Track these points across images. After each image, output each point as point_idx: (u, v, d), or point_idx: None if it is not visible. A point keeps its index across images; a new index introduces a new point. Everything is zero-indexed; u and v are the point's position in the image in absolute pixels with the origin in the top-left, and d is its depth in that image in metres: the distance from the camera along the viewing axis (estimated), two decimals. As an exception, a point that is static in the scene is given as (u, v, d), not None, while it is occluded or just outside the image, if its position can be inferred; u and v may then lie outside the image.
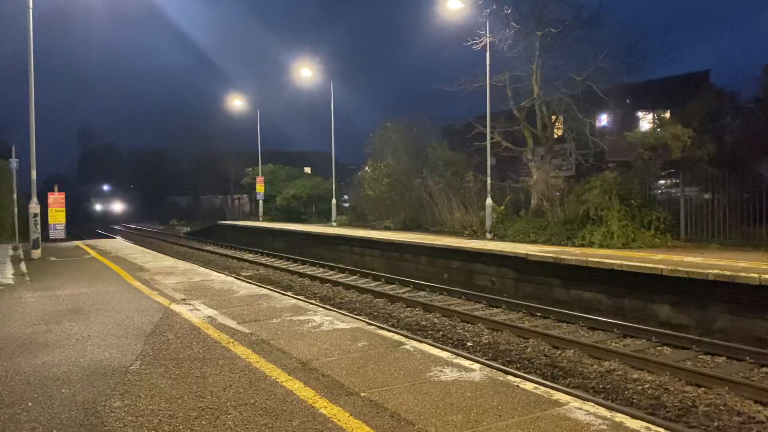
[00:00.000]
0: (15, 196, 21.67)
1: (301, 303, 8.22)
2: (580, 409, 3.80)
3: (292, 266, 18.84)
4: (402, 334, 6.73)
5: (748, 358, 7.41)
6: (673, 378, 6.64)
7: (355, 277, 15.85)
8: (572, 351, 7.84)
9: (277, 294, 9.21)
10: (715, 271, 8.87)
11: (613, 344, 8.37)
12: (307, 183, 37.10)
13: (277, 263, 19.97)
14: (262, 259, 21.41)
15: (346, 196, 35.99)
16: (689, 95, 19.54)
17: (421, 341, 6.72)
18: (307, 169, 47.15)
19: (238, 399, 4.03)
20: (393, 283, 14.38)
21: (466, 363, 4.93)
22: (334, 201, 31.31)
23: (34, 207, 14.50)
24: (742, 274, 8.48)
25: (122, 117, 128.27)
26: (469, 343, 8.51)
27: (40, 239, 14.72)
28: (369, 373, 4.59)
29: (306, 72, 32.18)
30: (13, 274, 11.31)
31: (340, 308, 10.94)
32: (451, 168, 24.07)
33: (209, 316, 6.90)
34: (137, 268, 12.02)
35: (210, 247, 27.69)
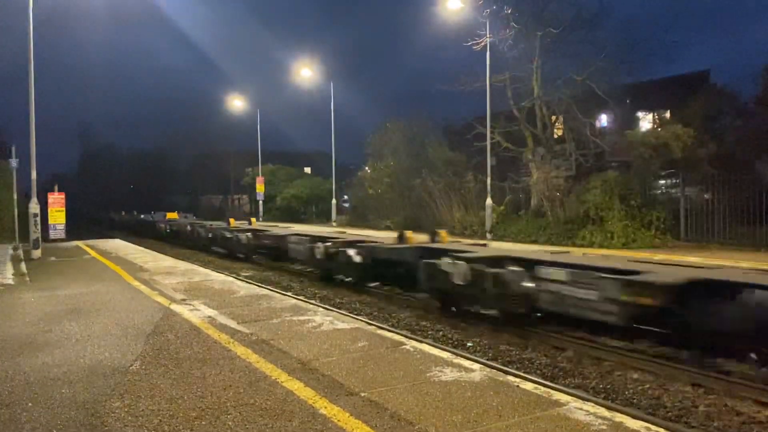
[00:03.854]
0: (15, 196, 21.68)
1: (301, 303, 8.22)
2: (580, 409, 3.81)
3: (292, 266, 18.80)
4: (402, 334, 6.73)
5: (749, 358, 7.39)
6: (673, 378, 6.64)
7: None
8: (572, 351, 7.84)
9: (277, 294, 9.21)
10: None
11: (614, 344, 8.36)
12: (307, 183, 37.12)
13: (277, 263, 19.93)
14: (262, 260, 21.38)
15: (346, 196, 36.02)
16: (689, 95, 19.54)
17: (421, 341, 6.71)
18: (307, 169, 47.19)
19: (238, 399, 4.03)
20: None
21: (466, 363, 4.93)
22: (334, 201, 31.33)
23: (34, 207, 14.51)
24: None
25: (122, 117, 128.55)
26: (469, 344, 8.50)
27: (40, 239, 14.73)
28: (369, 373, 4.59)
29: (306, 72, 32.25)
30: (13, 275, 11.31)
31: (340, 308, 10.93)
32: (451, 168, 24.10)
33: (209, 317, 6.90)
34: (137, 269, 12.02)
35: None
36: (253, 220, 25.33)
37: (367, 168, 30.83)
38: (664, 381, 6.52)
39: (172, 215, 33.60)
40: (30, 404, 4.01)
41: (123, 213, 51.11)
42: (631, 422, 3.59)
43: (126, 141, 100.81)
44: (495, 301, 8.35)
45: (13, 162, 21.66)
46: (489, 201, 19.50)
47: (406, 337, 6.47)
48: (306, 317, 6.88)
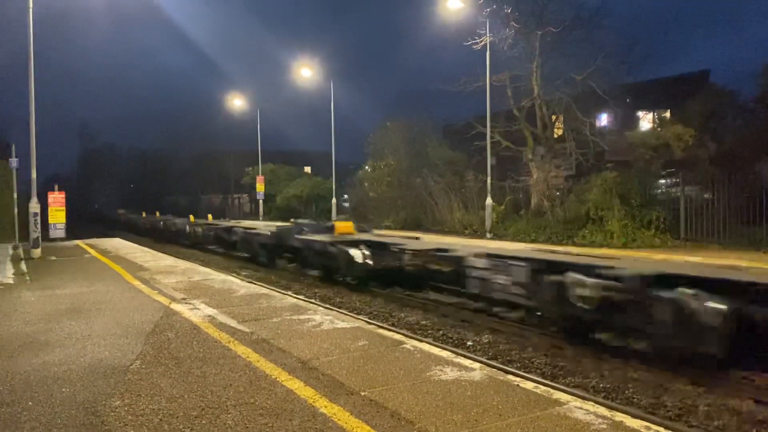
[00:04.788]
0: (15, 195, 21.67)
1: (301, 302, 8.22)
2: (580, 408, 3.81)
3: (291, 266, 18.79)
4: (402, 334, 6.73)
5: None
6: (673, 378, 6.64)
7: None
8: (572, 350, 7.84)
9: (277, 293, 9.22)
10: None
11: (614, 343, 8.35)
12: (307, 183, 37.07)
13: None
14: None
15: (346, 196, 35.99)
16: (689, 95, 19.54)
17: (421, 340, 6.71)
18: (307, 169, 47.13)
19: (239, 398, 4.04)
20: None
21: (467, 362, 4.93)
22: (334, 201, 31.33)
23: (35, 206, 14.51)
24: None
25: (122, 117, 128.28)
26: (469, 343, 8.50)
27: (40, 239, 14.73)
28: (369, 373, 4.59)
29: (306, 72, 32.23)
30: (13, 274, 11.31)
31: (339, 308, 10.93)
32: (451, 168, 24.10)
33: (209, 316, 6.90)
34: (137, 268, 12.02)
35: (210, 247, 27.59)
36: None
37: (367, 167, 30.82)
38: (664, 381, 6.52)
39: (345, 226, 15.69)
40: (30, 403, 4.01)
41: (191, 217, 28.26)
42: (630, 421, 3.59)
43: (126, 141, 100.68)
44: None
45: (13, 162, 21.65)
46: (489, 200, 19.49)
47: (406, 336, 6.47)
48: (306, 316, 6.88)
